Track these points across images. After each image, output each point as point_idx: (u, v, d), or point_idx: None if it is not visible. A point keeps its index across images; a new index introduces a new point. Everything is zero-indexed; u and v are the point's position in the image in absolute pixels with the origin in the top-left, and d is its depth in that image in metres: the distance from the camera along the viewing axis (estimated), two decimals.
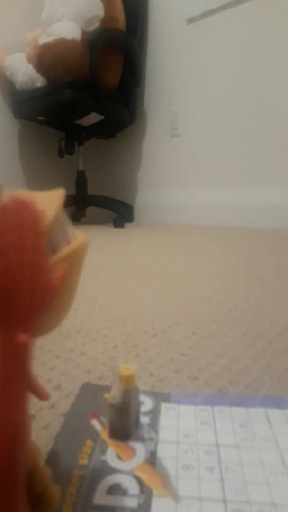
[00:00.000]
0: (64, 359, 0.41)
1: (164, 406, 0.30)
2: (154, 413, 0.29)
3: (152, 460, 0.24)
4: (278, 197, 1.94)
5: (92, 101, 2.00)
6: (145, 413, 0.29)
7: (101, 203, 2.39)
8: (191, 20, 2.17)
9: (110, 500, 0.21)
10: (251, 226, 2.04)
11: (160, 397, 0.31)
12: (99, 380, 0.37)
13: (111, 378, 0.37)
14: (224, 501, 0.21)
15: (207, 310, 0.59)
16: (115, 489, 0.22)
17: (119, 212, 2.26)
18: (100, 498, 0.21)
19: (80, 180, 2.38)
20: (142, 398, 0.31)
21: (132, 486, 0.22)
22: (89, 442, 0.26)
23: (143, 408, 0.29)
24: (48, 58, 1.90)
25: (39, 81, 2.03)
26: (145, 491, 0.22)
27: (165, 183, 2.46)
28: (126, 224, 2.26)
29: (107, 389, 0.32)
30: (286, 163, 1.92)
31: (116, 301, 0.65)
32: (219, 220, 2.18)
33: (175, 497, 0.21)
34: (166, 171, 2.44)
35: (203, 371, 0.39)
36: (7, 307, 0.16)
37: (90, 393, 0.32)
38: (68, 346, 0.45)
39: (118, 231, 1.96)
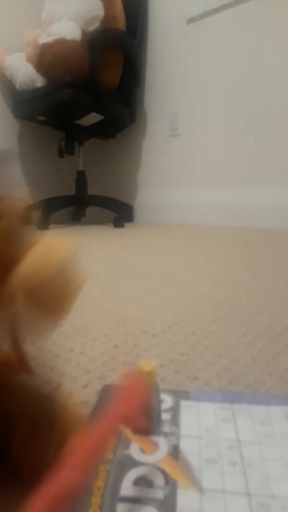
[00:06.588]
0: (64, 359, 0.41)
1: (183, 403, 0.30)
2: (175, 410, 0.30)
3: (175, 453, 0.25)
4: (278, 197, 1.94)
5: (92, 101, 2.00)
6: (166, 410, 0.29)
7: (101, 203, 2.39)
8: (191, 20, 2.17)
9: (137, 492, 0.22)
10: (252, 226, 2.04)
11: (179, 395, 0.32)
12: (99, 380, 0.37)
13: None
14: (248, 494, 0.21)
15: (207, 310, 0.59)
16: (141, 481, 0.22)
17: (119, 212, 2.26)
18: (127, 489, 0.22)
19: (80, 180, 2.38)
20: (162, 396, 0.31)
21: (157, 478, 0.23)
22: (112, 438, 0.26)
23: (163, 406, 0.30)
24: (48, 58, 1.90)
25: (39, 81, 2.03)
26: (170, 483, 0.22)
27: (165, 183, 2.46)
28: (126, 224, 2.26)
29: None
30: (287, 162, 1.92)
31: (116, 301, 0.65)
32: (219, 220, 2.18)
33: (200, 489, 0.22)
34: (166, 171, 2.44)
35: (203, 371, 0.39)
36: None
37: (111, 393, 0.32)
38: (68, 346, 0.45)
39: (118, 231, 1.96)
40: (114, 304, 0.63)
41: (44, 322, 0.24)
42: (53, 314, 0.24)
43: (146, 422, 0.23)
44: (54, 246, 0.24)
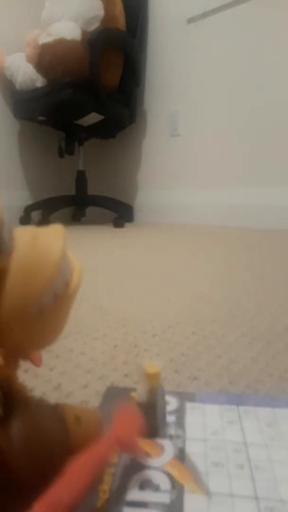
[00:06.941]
0: (64, 359, 0.41)
1: (189, 405, 0.30)
2: (180, 412, 0.29)
3: (181, 456, 0.24)
4: (278, 197, 1.94)
5: (92, 101, 2.00)
6: (171, 412, 0.29)
7: (101, 203, 2.39)
8: (191, 20, 2.17)
9: (143, 496, 0.21)
10: (252, 226, 2.04)
11: (184, 396, 0.31)
12: (99, 380, 0.37)
13: (137, 377, 0.37)
14: (256, 498, 0.21)
15: (207, 310, 0.59)
16: (147, 485, 0.22)
17: (119, 212, 2.26)
18: (132, 493, 0.21)
19: (80, 180, 2.38)
20: (167, 397, 0.31)
21: (163, 482, 0.22)
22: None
23: (168, 408, 0.29)
24: (48, 58, 1.90)
25: (39, 81, 2.03)
26: (177, 487, 0.22)
27: (165, 183, 2.46)
28: (126, 224, 2.26)
29: (132, 390, 0.32)
30: (287, 162, 1.92)
31: (116, 301, 0.65)
32: (219, 220, 2.18)
33: (207, 493, 0.21)
34: (166, 171, 2.44)
35: (203, 371, 0.39)
36: None
37: (115, 395, 0.32)
38: (68, 346, 0.45)
39: (118, 231, 1.96)
40: (114, 304, 0.63)
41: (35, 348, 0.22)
42: (47, 340, 0.21)
43: (141, 448, 0.23)
44: (36, 255, 0.18)
